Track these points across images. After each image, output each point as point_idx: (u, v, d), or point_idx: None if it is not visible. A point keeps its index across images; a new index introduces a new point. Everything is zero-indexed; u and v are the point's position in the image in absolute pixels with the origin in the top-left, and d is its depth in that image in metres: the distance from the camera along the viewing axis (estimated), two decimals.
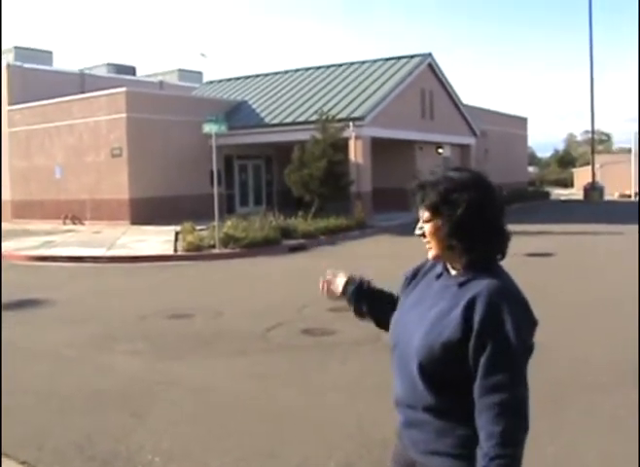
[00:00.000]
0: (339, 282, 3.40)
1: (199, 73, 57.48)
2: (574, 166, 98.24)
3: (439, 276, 2.80)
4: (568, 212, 38.53)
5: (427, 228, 2.72)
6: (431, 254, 2.76)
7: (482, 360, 2.48)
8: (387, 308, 3.10)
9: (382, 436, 6.10)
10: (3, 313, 13.41)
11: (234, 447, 6.38)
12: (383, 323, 3.16)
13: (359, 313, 3.33)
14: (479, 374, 2.49)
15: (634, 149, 63.52)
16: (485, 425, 2.46)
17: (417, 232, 2.77)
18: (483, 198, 2.63)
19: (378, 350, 9.43)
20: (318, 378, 8.41)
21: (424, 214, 2.72)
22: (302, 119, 34.53)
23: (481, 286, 2.57)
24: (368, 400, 7.46)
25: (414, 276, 2.96)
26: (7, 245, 25.66)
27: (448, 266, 2.77)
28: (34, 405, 7.72)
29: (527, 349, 2.54)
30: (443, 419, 2.62)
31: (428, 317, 2.65)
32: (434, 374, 2.60)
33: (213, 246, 21.55)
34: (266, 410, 7.34)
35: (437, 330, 2.58)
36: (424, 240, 2.77)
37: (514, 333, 2.46)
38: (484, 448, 2.43)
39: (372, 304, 3.28)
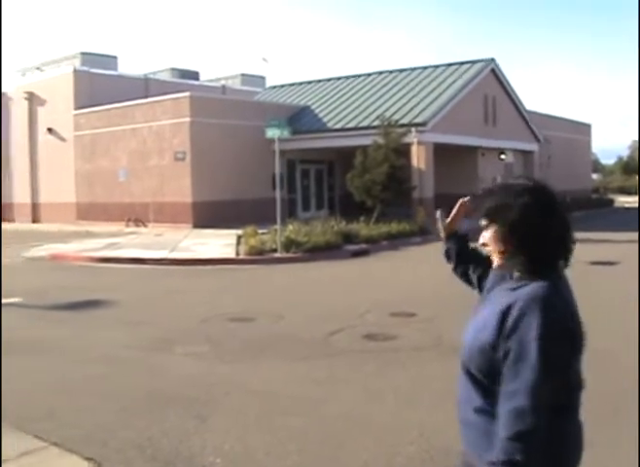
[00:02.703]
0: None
1: (262, 78, 57.82)
2: (638, 174, 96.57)
3: (506, 281, 2.80)
4: (632, 220, 37.92)
5: (486, 235, 2.72)
6: (495, 263, 2.76)
7: (506, 366, 2.50)
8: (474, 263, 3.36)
9: (445, 443, 6.06)
10: (66, 313, 13.65)
11: (295, 450, 6.38)
12: (469, 279, 3.40)
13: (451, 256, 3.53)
14: (503, 379, 2.52)
15: None
16: (499, 431, 2.47)
17: (480, 240, 2.77)
18: (538, 204, 2.62)
19: (440, 356, 9.40)
20: (379, 383, 8.36)
21: (483, 222, 2.72)
22: (364, 124, 34.53)
23: (523, 293, 2.57)
24: (429, 406, 7.41)
25: (494, 279, 2.94)
26: (71, 247, 26.10)
27: (508, 270, 2.76)
28: (97, 405, 7.81)
29: (553, 361, 2.47)
30: (488, 421, 2.61)
31: (478, 320, 2.70)
32: (477, 376, 2.65)
33: (275, 250, 21.59)
34: (326, 414, 7.32)
35: (479, 333, 2.64)
36: (487, 249, 2.76)
37: (536, 343, 2.44)
38: (494, 452, 2.46)
39: (464, 253, 3.49)
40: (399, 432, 6.72)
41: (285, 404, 7.71)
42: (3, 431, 6.81)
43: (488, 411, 2.61)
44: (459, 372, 2.81)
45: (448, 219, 3.56)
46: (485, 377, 2.61)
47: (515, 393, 2.44)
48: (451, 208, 3.56)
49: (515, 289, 2.63)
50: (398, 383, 8.35)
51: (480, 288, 3.18)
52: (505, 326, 2.51)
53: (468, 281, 3.41)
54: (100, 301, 14.76)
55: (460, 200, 3.53)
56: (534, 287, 2.56)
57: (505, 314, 2.53)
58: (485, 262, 3.14)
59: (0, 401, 7.27)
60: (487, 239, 2.73)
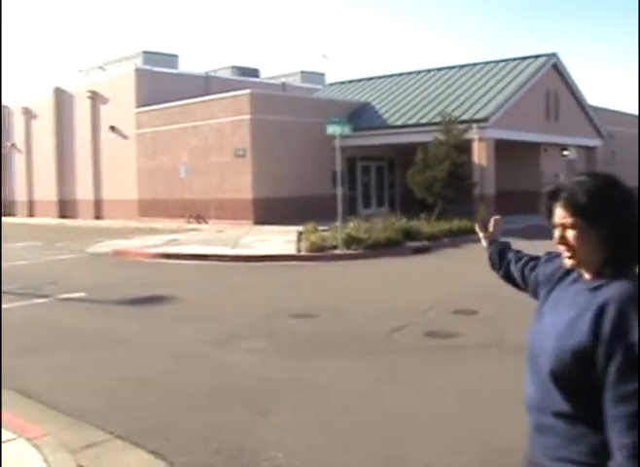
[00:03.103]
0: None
1: (322, 75, 57.88)
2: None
3: (574, 281, 2.73)
4: None
5: (570, 234, 2.63)
6: (568, 262, 2.68)
7: (611, 369, 2.39)
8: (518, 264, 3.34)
9: (508, 441, 5.99)
10: (131, 309, 13.82)
11: (357, 447, 6.38)
12: (511, 276, 3.40)
13: (494, 260, 3.59)
14: (608, 383, 2.41)
15: None
16: (616, 437, 2.37)
17: (556, 237, 2.69)
18: (627, 202, 2.55)
19: (503, 354, 9.32)
20: (442, 381, 8.32)
21: (567, 220, 2.63)
22: (424, 120, 34.38)
23: (613, 292, 2.48)
24: (492, 404, 7.35)
25: (552, 278, 2.89)
26: (133, 243, 26.45)
27: (582, 270, 2.69)
28: (160, 399, 7.91)
29: None
30: (573, 426, 2.54)
31: (560, 322, 2.59)
32: (565, 379, 2.53)
33: (336, 247, 21.59)
34: (388, 411, 7.31)
35: (567, 335, 2.52)
36: (562, 248, 2.69)
37: None
38: (618, 459, 2.35)
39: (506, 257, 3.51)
40: (461, 431, 6.69)
41: (346, 400, 7.71)
42: (69, 422, 6.93)
43: (572, 415, 2.55)
44: (529, 375, 2.76)
45: (491, 230, 3.62)
46: (573, 382, 2.54)
47: (629, 396, 2.34)
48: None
49: (595, 289, 2.56)
50: (460, 381, 8.30)
51: (527, 289, 3.17)
52: (602, 329, 2.43)
53: (514, 282, 3.40)
54: (164, 296, 14.92)
55: (496, 218, 3.68)
56: (622, 286, 2.49)
57: (600, 315, 2.46)
58: (529, 263, 3.14)
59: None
60: (573, 239, 2.64)
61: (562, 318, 2.59)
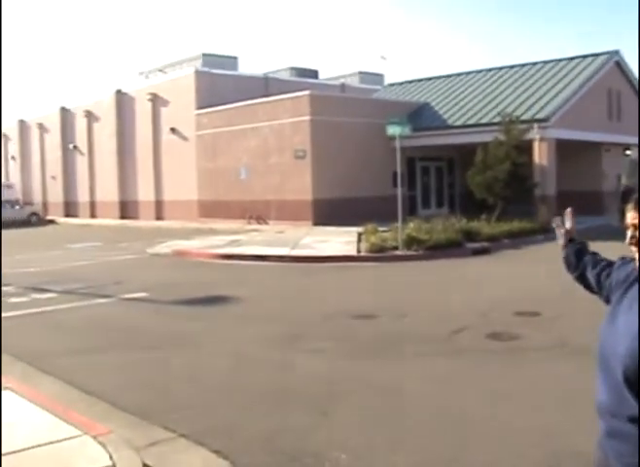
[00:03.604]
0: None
1: (380, 75, 57.82)
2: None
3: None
4: None
5: None
6: None
7: None
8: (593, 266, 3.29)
9: (573, 446, 5.91)
10: (193, 309, 13.94)
11: (419, 448, 6.35)
12: (587, 280, 3.35)
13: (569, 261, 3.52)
14: None
15: None
16: None
17: (629, 237, 2.66)
18: None
19: (565, 356, 9.21)
20: (504, 383, 8.25)
21: (638, 221, 2.60)
22: (484, 120, 34.12)
23: None
24: (555, 408, 7.25)
25: (626, 280, 2.84)
26: (194, 243, 26.68)
27: None
28: (223, 399, 7.96)
29: None
30: None
31: (635, 324, 2.54)
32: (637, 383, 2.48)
33: (396, 248, 21.51)
34: (450, 413, 7.26)
35: None
36: (634, 249, 2.65)
37: None
38: None
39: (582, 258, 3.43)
40: (523, 434, 6.60)
41: (408, 401, 7.68)
42: (133, 420, 7.01)
43: None
44: (601, 378, 2.71)
45: (568, 227, 3.54)
46: None
47: None
48: (573, 207, 3.56)
49: None
50: (522, 384, 8.21)
51: (601, 294, 3.12)
52: None
53: (587, 286, 3.35)
54: (226, 297, 15.02)
55: (569, 210, 3.62)
56: None
57: None
58: (605, 269, 3.09)
59: None
60: None
61: (637, 320, 2.55)
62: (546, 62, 38.83)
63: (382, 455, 6.21)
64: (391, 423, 7.00)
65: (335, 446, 6.36)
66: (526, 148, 30.06)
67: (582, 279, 3.39)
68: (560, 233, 3.57)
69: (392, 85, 49.16)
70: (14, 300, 15.68)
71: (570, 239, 3.52)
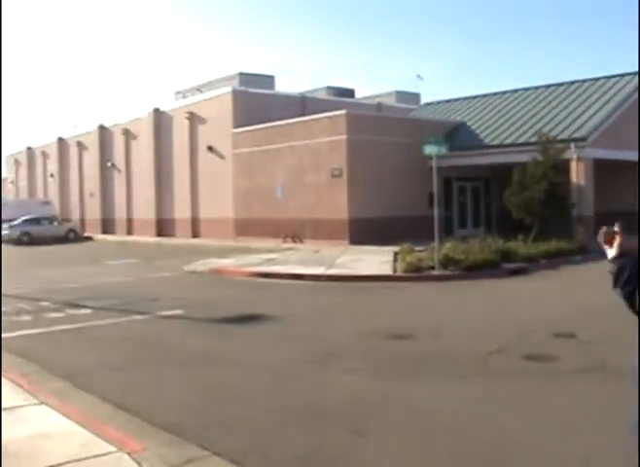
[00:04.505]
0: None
1: (417, 94, 57.76)
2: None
3: None
4: None
5: None
6: None
7: None
8: None
9: None
10: (228, 326, 13.95)
11: None
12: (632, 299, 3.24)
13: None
14: None
15: None
16: None
17: None
18: None
19: (604, 379, 9.08)
20: (540, 407, 8.13)
21: None
22: (521, 140, 33.96)
23: None
24: (593, 432, 7.11)
25: None
26: (230, 261, 26.76)
27: None
28: (258, 417, 7.93)
29: None
30: None
31: None
32: None
33: (432, 268, 21.43)
34: (486, 435, 7.17)
35: None
36: None
37: None
38: None
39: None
40: (561, 459, 6.50)
41: (443, 422, 7.60)
42: (168, 438, 7.00)
43: None
44: None
45: (618, 242, 3.43)
46: None
47: None
48: (600, 228, 3.45)
49: None
50: (559, 407, 8.10)
51: None
52: None
53: (633, 307, 3.26)
54: (261, 315, 15.03)
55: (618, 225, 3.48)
56: None
57: None
58: None
59: None
60: None
61: None
62: (583, 81, 38.59)
63: None
64: (425, 445, 6.93)
65: (370, 466, 6.31)
66: (563, 168, 29.86)
67: (629, 297, 3.28)
68: (605, 248, 3.46)
69: (428, 104, 49.15)
70: (50, 315, 15.83)
71: (621, 254, 3.39)
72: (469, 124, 39.60)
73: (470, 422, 7.60)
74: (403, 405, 8.28)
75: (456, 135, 37.77)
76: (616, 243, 3.43)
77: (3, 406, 7.88)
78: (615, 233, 3.45)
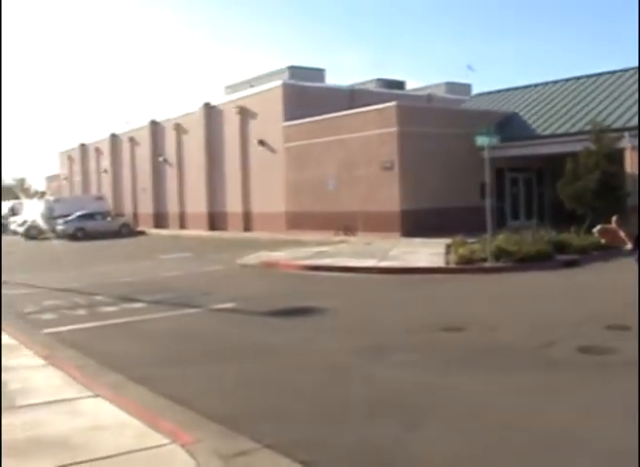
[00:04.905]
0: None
1: (467, 85, 57.37)
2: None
3: None
4: None
5: None
6: None
7: None
8: None
9: None
10: (281, 320, 13.99)
11: (509, 464, 6.22)
12: None
13: None
14: None
15: None
16: None
17: None
18: None
19: None
20: (597, 399, 8.01)
21: None
22: (574, 129, 33.55)
23: None
24: None
25: None
26: (282, 255, 26.80)
27: None
28: (310, 410, 7.94)
29: None
30: None
31: None
32: None
33: (485, 259, 21.25)
34: (541, 429, 7.06)
35: None
36: None
37: None
38: None
39: None
40: (622, 453, 6.34)
41: (500, 416, 7.52)
42: (220, 430, 7.04)
43: None
44: None
45: (624, 234, 3.44)
46: None
47: None
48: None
49: None
50: (617, 400, 7.95)
51: None
52: None
53: None
54: (314, 308, 15.04)
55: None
56: None
57: None
58: None
59: None
60: None
61: None
62: (637, 69, 37.97)
63: None
64: (480, 439, 6.84)
65: (423, 460, 6.27)
66: (617, 157, 29.45)
67: None
68: (622, 235, 3.47)
69: (479, 95, 48.73)
70: (105, 309, 16.03)
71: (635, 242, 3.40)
72: (521, 114, 39.21)
73: (527, 416, 7.50)
74: (456, 398, 8.22)
75: (508, 126, 37.39)
76: (623, 236, 3.45)
77: (58, 398, 8.02)
78: (613, 229, 3.46)
